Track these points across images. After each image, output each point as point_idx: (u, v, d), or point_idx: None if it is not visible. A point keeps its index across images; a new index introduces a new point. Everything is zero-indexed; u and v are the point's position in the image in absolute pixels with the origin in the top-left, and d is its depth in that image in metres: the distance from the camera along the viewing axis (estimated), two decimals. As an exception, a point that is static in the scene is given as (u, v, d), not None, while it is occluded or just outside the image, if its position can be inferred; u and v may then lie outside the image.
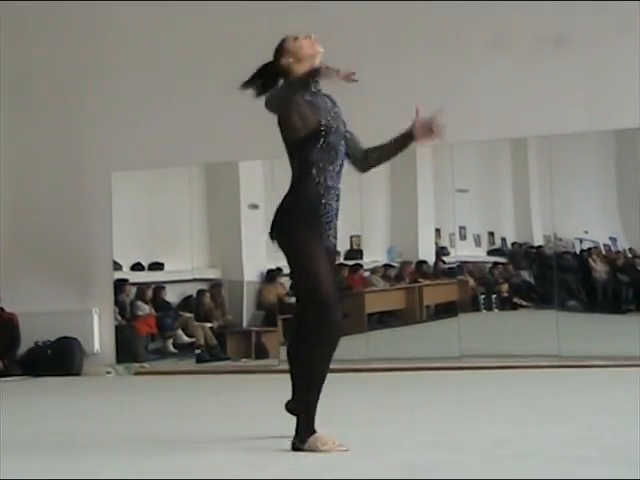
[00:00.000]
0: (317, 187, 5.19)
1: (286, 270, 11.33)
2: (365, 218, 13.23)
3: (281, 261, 11.95)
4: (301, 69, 5.28)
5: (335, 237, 5.34)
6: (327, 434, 5.10)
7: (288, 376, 5.75)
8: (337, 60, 5.46)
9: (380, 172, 11.81)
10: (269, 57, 5.79)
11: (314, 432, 5.10)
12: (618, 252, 13.16)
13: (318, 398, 5.12)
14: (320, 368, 5.08)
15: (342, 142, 5.36)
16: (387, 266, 13.34)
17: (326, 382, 5.46)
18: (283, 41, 5.47)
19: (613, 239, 13.73)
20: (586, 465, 4.54)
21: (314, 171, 5.19)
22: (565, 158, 13.33)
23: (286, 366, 5.90)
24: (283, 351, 10.34)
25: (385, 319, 13.47)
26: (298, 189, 5.23)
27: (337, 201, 5.27)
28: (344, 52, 9.49)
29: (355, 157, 5.55)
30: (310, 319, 5.04)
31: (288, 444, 5.35)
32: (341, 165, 5.29)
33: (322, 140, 5.23)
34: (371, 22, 13.02)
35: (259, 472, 4.88)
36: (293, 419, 5.26)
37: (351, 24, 12.95)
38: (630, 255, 13.14)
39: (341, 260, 12.73)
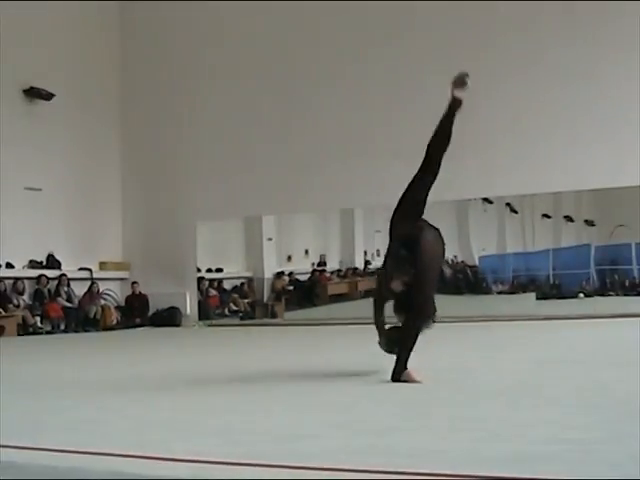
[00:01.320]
0: None
1: (286, 270, 20.92)
2: (327, 246, 23.11)
3: (284, 267, 21.93)
4: None
5: None
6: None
7: (290, 327, 14.23)
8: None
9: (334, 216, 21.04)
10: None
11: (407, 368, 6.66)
12: (457, 262, 23.35)
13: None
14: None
15: None
16: (339, 270, 23.08)
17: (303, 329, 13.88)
18: None
19: (455, 256, 23.90)
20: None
21: None
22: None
23: (288, 322, 14.71)
24: (287, 315, 19.79)
25: (339, 298, 21.95)
26: None
27: None
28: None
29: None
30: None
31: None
32: None
33: None
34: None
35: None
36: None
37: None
38: (463, 263, 23.41)
39: (315, 267, 22.57)
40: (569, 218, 27.15)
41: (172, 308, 21.50)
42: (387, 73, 18.79)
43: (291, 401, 6.28)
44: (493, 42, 17.81)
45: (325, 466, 3.70)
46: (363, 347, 9.59)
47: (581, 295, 20.92)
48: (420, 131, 19.03)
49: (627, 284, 21.81)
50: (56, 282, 20.23)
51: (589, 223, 22.66)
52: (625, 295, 20.88)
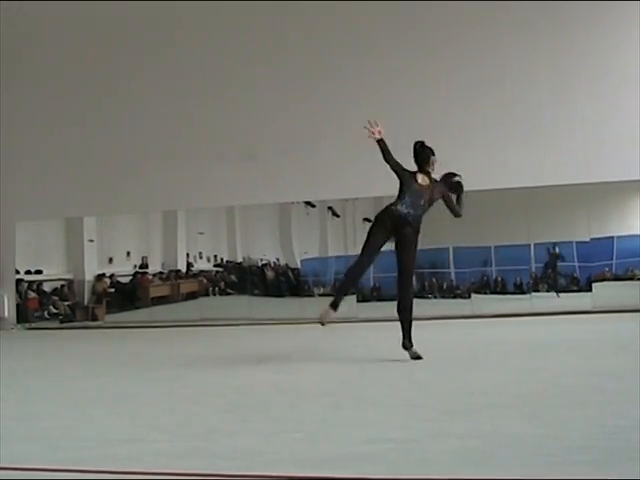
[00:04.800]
0: None
1: (107, 272, 20.52)
2: (149, 248, 22.87)
3: (105, 269, 21.56)
4: None
5: None
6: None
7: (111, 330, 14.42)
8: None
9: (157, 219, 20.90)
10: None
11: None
12: (279, 265, 23.53)
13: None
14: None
15: None
16: (161, 272, 22.83)
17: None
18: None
19: (277, 258, 24.06)
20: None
21: None
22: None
23: (109, 325, 14.73)
24: (108, 318, 19.47)
25: (161, 300, 21.54)
26: None
27: None
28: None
29: None
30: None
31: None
32: None
33: None
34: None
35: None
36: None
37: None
38: (286, 266, 23.62)
39: (137, 269, 22.27)
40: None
41: (-13, 310, 20.93)
42: (210, 74, 18.73)
43: (115, 405, 6.20)
44: (317, 47, 17.94)
45: (147, 470, 3.68)
46: (183, 350, 9.55)
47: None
48: (245, 134, 19.02)
49: (445, 287, 22.41)
50: None
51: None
52: (443, 298, 21.41)
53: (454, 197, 9.06)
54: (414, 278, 9.50)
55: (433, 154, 9.13)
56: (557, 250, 21.49)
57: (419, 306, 18.75)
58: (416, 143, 9.20)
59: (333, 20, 17.78)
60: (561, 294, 21.20)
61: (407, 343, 8.80)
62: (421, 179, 9.05)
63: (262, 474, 3.62)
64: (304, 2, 17.59)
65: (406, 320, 8.94)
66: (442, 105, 17.09)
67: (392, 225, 8.89)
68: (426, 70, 17.30)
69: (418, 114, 16.77)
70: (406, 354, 8.82)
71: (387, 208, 9.03)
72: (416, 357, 8.58)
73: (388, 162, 9.04)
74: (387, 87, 17.46)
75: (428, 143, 9.44)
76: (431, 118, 16.55)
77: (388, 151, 8.97)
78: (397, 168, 8.96)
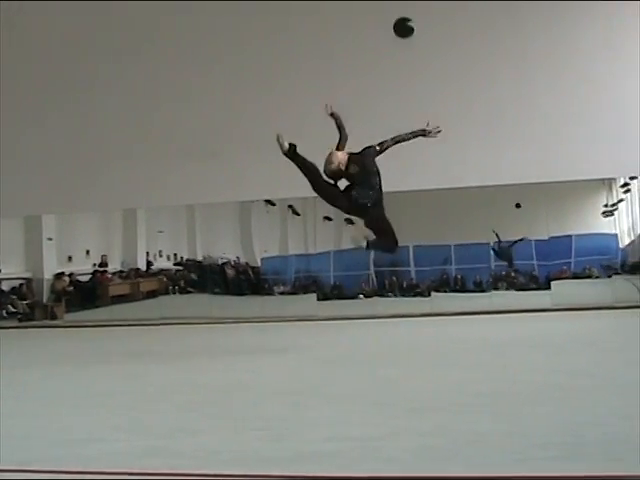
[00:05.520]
0: None
1: (67, 271, 20.28)
2: (109, 246, 22.85)
3: (65, 267, 21.41)
4: None
5: None
6: None
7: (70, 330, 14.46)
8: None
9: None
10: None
11: None
12: (240, 263, 23.64)
13: None
14: None
15: None
16: (121, 271, 22.82)
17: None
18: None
19: (238, 257, 24.21)
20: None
21: None
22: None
23: (68, 324, 14.68)
24: (67, 317, 19.31)
25: (120, 298, 21.27)
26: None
27: None
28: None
29: None
30: None
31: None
32: None
33: None
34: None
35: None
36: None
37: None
38: (246, 264, 23.74)
39: (97, 268, 22.18)
40: (350, 221, 27.86)
41: (-55, 310, 20.73)
42: (171, 73, 18.61)
43: (75, 405, 6.14)
44: (278, 46, 17.92)
45: (107, 470, 3.66)
46: (143, 348, 9.48)
47: (361, 296, 21.48)
48: (206, 133, 19.01)
49: (405, 285, 22.62)
50: None
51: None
52: (403, 296, 21.64)
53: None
54: None
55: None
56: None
57: (379, 304, 19.19)
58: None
59: (291, 20, 17.73)
60: (520, 292, 21.47)
61: None
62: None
63: (223, 473, 3.58)
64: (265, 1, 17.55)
65: None
66: (401, 103, 17.08)
67: None
68: (387, 67, 17.27)
69: (378, 112, 16.74)
70: (375, 348, 8.80)
71: None
72: None
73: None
74: (348, 85, 17.45)
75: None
76: (391, 116, 16.51)
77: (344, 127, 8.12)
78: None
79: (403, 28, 8.66)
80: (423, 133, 7.78)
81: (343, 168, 7.35)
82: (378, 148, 7.62)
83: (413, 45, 17.35)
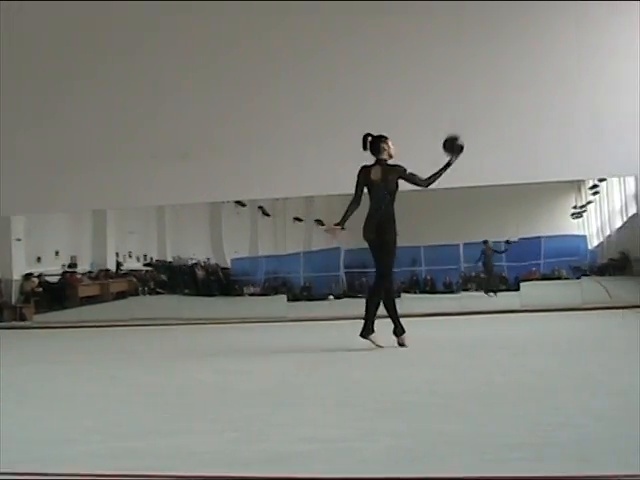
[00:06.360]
0: None
1: (36, 271, 20.26)
2: (78, 247, 22.76)
3: (33, 268, 21.37)
4: None
5: None
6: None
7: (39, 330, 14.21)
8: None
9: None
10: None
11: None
12: (210, 264, 23.61)
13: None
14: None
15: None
16: (90, 272, 22.79)
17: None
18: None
19: (208, 258, 24.08)
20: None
21: None
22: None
23: (37, 325, 14.41)
24: (36, 318, 19.25)
25: (90, 300, 21.54)
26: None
27: None
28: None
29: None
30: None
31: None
32: None
33: None
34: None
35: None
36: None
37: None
38: (216, 265, 23.71)
39: (66, 269, 22.17)
40: (320, 222, 27.85)
41: None
42: (142, 74, 18.60)
43: (46, 406, 6.10)
44: (250, 48, 17.91)
45: (80, 472, 3.64)
46: (114, 349, 9.44)
47: (331, 297, 21.49)
48: (177, 134, 18.96)
49: (374, 286, 22.52)
50: None
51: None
52: (372, 297, 21.58)
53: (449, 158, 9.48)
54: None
55: (383, 140, 9.24)
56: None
57: (349, 305, 19.17)
58: (365, 136, 9.27)
59: (261, 21, 17.74)
60: (490, 293, 21.57)
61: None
62: (373, 174, 9.12)
63: (198, 474, 3.59)
64: (235, 2, 17.56)
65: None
66: (375, 104, 17.16)
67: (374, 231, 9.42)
68: (362, 71, 17.34)
69: (354, 116, 16.81)
70: (347, 350, 8.86)
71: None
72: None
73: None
74: (325, 87, 17.50)
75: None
76: (365, 119, 16.58)
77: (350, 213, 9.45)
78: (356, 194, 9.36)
79: (452, 146, 9.47)
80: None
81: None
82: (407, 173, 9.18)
83: (386, 49, 17.49)
